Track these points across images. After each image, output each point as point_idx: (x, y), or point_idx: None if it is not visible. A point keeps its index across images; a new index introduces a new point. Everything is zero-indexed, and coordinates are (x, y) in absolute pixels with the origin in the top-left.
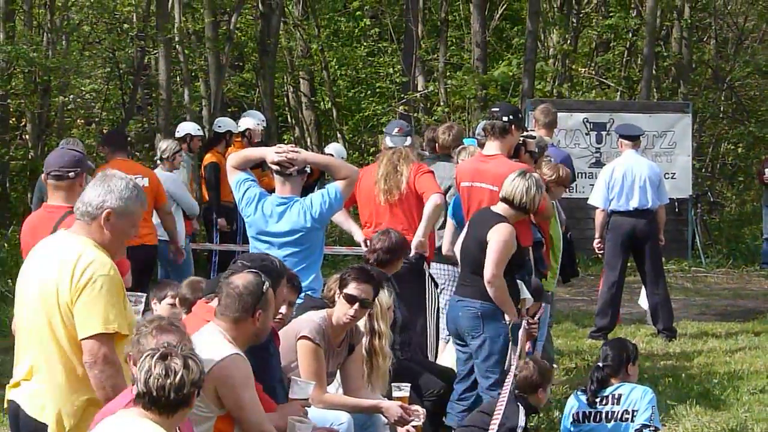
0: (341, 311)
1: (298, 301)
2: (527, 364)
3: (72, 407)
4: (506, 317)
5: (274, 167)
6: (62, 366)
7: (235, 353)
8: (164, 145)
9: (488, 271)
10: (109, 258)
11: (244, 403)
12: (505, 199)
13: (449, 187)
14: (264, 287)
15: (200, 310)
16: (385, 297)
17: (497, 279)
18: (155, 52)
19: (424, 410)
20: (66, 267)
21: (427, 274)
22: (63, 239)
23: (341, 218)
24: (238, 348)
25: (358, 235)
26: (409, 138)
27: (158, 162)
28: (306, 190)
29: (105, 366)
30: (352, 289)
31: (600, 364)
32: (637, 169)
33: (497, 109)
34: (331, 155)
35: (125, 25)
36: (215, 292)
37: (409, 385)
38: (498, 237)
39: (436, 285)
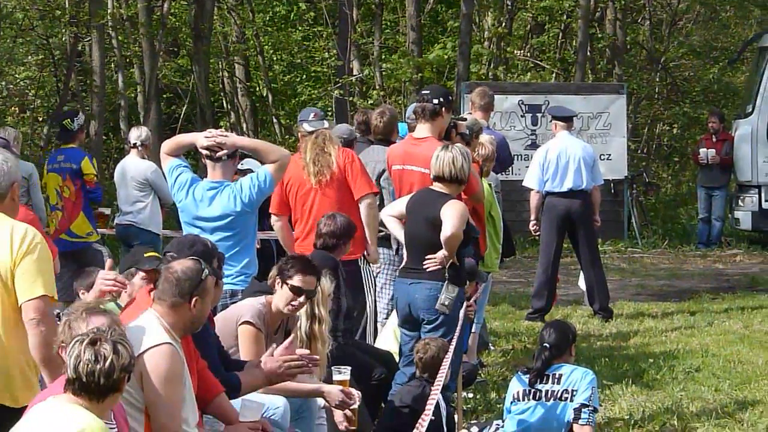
0: (284, 301)
1: (237, 286)
2: (428, 345)
3: (13, 368)
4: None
5: (205, 152)
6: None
7: (168, 343)
8: (143, 133)
9: (448, 228)
10: None
11: (161, 399)
12: (437, 178)
13: (383, 171)
14: (203, 274)
15: (142, 300)
16: (326, 283)
17: (458, 230)
18: (89, 38)
19: (359, 393)
20: (2, 236)
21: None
22: None
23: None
24: (174, 336)
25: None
26: (325, 121)
27: (132, 148)
28: None
29: (50, 324)
30: (297, 281)
31: (546, 344)
32: (571, 150)
33: (428, 92)
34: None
35: (58, 12)
36: (131, 266)
37: (350, 368)
38: (453, 211)
39: (368, 263)
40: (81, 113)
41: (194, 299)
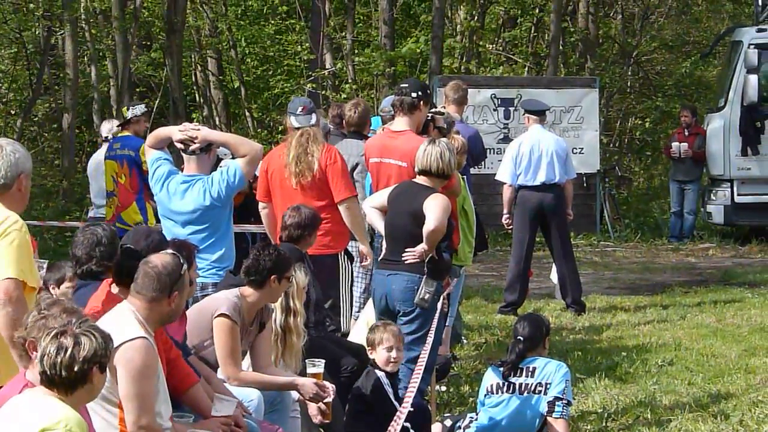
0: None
1: (208, 279)
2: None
3: None
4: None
5: (179, 146)
6: None
7: (143, 337)
8: (114, 126)
9: (432, 222)
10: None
11: (134, 393)
12: (423, 171)
13: (356, 165)
14: (182, 269)
15: (102, 293)
16: (300, 276)
17: (442, 224)
18: (62, 31)
19: (334, 386)
20: None
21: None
22: None
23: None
24: (148, 330)
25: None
26: (314, 115)
27: (106, 142)
28: None
29: (17, 305)
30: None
31: (520, 338)
32: (543, 143)
33: (406, 85)
34: None
35: (31, 5)
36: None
37: (323, 361)
38: (437, 204)
39: (351, 260)
40: (142, 105)
41: (174, 293)
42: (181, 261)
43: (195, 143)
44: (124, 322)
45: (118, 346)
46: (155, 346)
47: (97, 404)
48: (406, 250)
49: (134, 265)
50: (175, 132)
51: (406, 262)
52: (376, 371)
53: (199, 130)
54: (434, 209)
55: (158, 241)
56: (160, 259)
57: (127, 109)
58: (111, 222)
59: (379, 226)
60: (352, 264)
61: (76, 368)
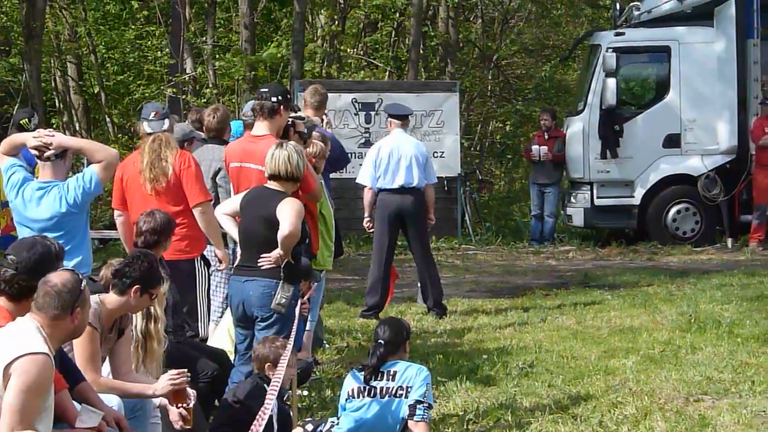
0: (140, 307)
1: None
2: (264, 342)
3: None
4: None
5: (34, 152)
6: None
7: (46, 354)
8: None
9: (286, 227)
10: None
11: (17, 404)
12: (273, 176)
13: (219, 170)
14: (82, 285)
15: None
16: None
17: (296, 229)
18: None
19: (195, 392)
20: None
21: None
22: None
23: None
24: (51, 347)
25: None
26: (166, 121)
27: None
28: None
29: None
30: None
31: (381, 341)
32: (403, 148)
33: (266, 90)
34: None
35: None
36: None
37: (186, 370)
38: (290, 209)
39: (208, 265)
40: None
41: (76, 311)
42: (81, 277)
43: (50, 149)
44: (30, 335)
45: (20, 357)
46: (53, 366)
47: None
48: (262, 255)
49: (11, 275)
50: (30, 138)
51: (261, 267)
52: (266, 386)
53: (53, 136)
54: (288, 214)
55: (41, 252)
56: (60, 277)
57: (29, 121)
58: (6, 233)
59: (233, 232)
60: (208, 269)
61: None
